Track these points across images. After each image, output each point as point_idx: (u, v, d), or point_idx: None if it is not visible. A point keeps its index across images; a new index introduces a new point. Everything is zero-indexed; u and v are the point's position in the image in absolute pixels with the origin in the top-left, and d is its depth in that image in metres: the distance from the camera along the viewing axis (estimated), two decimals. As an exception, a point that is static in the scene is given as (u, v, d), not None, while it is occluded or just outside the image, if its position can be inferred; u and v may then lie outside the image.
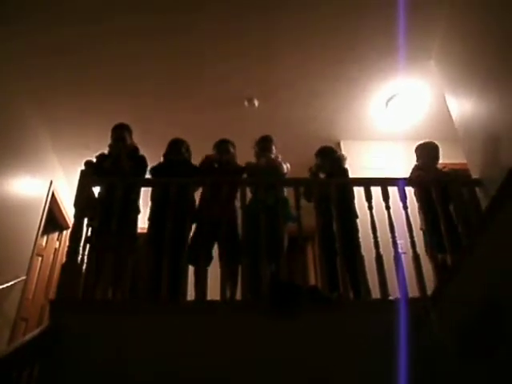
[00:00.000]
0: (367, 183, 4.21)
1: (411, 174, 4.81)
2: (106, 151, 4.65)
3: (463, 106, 4.68)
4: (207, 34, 4.95)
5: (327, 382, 3.19)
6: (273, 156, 4.84)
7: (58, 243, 6.96)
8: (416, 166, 4.87)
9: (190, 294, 3.85)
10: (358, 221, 4.33)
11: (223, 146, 4.84)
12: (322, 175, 4.74)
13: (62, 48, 5.00)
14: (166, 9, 4.68)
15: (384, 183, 4.22)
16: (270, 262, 3.85)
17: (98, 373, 3.14)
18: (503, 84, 3.77)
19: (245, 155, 4.88)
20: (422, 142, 5.00)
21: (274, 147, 4.93)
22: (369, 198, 4.08)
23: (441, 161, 6.02)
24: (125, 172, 4.31)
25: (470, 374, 2.69)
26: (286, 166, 4.77)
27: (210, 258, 4.17)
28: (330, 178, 4.60)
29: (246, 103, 5.81)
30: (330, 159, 4.83)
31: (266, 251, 3.79)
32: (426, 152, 4.86)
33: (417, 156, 4.93)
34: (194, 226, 4.25)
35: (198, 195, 4.48)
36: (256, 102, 5.80)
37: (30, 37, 4.81)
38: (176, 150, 4.75)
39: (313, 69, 5.39)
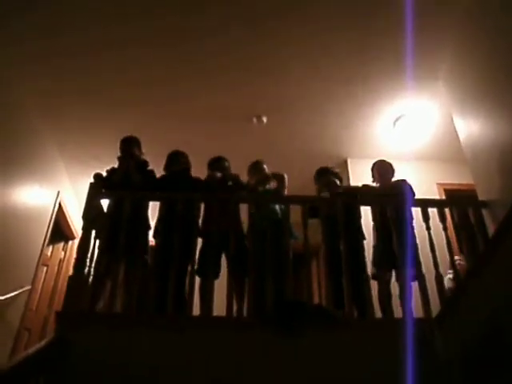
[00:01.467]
0: (371, 202, 4.23)
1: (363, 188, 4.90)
2: (115, 165, 4.67)
3: (471, 127, 4.69)
4: (219, 55, 5.00)
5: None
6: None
7: (63, 253, 6.96)
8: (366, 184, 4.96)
9: (196, 307, 3.85)
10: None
11: (220, 163, 4.89)
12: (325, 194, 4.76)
13: (70, 57, 5.02)
14: (178, 35, 4.78)
15: (387, 202, 4.25)
16: (275, 278, 3.85)
17: (102, 385, 3.14)
18: (511, 105, 3.78)
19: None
20: (377, 160, 5.06)
21: (265, 168, 4.99)
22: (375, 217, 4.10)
23: (447, 181, 6.07)
24: (134, 186, 4.33)
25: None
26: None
27: (219, 270, 4.17)
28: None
29: (254, 120, 5.84)
30: (332, 175, 4.89)
31: (272, 267, 3.81)
32: (382, 170, 4.92)
33: (372, 173, 4.99)
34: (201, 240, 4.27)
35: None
36: (264, 119, 5.83)
37: (38, 44, 4.82)
38: (175, 162, 4.78)
39: (321, 87, 5.42)
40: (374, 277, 4.10)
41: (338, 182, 4.87)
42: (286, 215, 4.23)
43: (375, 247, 4.32)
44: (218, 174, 4.71)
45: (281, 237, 4.09)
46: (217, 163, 4.88)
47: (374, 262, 4.29)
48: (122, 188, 4.32)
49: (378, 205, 4.24)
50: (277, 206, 4.58)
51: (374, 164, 5.02)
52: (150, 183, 4.49)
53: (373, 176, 4.96)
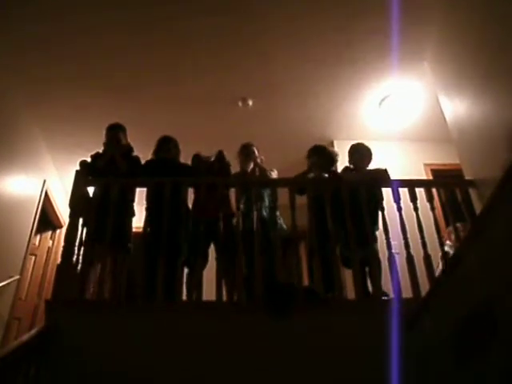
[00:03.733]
0: (359, 184, 4.24)
1: (342, 173, 4.84)
2: (100, 150, 4.64)
3: (457, 107, 4.70)
4: (202, 34, 4.95)
5: (322, 382, 3.20)
6: (258, 160, 4.90)
7: (51, 242, 6.94)
8: (346, 166, 4.90)
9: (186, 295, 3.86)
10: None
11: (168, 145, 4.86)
12: (313, 174, 4.75)
13: (55, 46, 4.99)
14: (164, 19, 4.74)
15: (378, 184, 4.26)
16: (264, 261, 3.86)
17: (94, 373, 3.14)
18: (498, 85, 3.78)
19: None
20: (355, 143, 4.99)
21: (256, 151, 4.97)
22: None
23: (434, 161, 6.07)
24: (120, 171, 4.31)
25: (463, 375, 2.71)
26: (274, 173, 4.87)
27: (206, 259, 4.18)
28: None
29: (240, 103, 5.81)
30: (325, 157, 4.86)
31: (260, 251, 3.82)
32: (359, 154, 4.85)
33: (349, 157, 4.91)
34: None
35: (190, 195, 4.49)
36: (250, 102, 5.81)
37: (24, 31, 4.77)
38: (165, 147, 4.75)
39: (307, 69, 5.40)
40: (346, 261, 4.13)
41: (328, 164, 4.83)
42: (274, 209, 4.25)
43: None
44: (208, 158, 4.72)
45: (268, 232, 4.14)
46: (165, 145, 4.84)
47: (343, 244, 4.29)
48: (106, 174, 4.30)
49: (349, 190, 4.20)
50: (266, 203, 4.55)
51: (352, 147, 4.94)
52: (135, 170, 4.46)
53: (350, 159, 4.89)
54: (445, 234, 4.51)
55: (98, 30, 4.85)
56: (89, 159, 4.56)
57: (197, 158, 4.81)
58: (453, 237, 4.32)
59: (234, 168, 4.85)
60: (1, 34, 4.75)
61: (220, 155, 4.73)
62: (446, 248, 4.23)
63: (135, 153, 4.72)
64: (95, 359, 3.21)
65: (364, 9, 4.67)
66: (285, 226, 4.48)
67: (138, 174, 4.43)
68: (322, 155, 4.85)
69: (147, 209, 4.14)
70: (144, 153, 4.70)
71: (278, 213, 4.41)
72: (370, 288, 3.93)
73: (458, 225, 4.25)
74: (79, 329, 3.34)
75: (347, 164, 4.88)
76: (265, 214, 4.42)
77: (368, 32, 4.90)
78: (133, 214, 4.27)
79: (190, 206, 4.42)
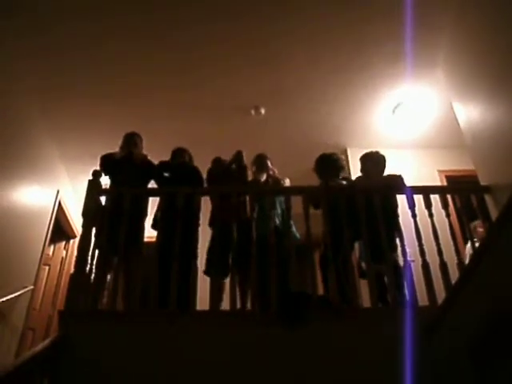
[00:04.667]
0: (373, 191, 4.19)
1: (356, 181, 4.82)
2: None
3: (470, 113, 4.67)
4: (215, 43, 4.96)
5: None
6: (270, 172, 4.91)
7: (64, 252, 6.97)
8: (359, 176, 4.85)
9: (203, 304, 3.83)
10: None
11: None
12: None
13: (71, 60, 5.04)
14: (174, 24, 4.74)
15: (393, 191, 4.22)
16: (278, 270, 3.83)
17: (106, 383, 3.13)
18: (511, 89, 3.75)
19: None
20: (367, 151, 4.90)
21: (269, 163, 4.97)
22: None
23: (448, 168, 6.03)
24: (136, 162, 4.46)
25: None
26: (286, 181, 4.86)
27: (227, 269, 4.10)
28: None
29: (252, 111, 5.81)
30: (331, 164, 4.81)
31: (275, 260, 3.79)
32: (372, 162, 4.77)
33: (362, 165, 4.83)
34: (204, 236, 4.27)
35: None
36: (262, 110, 5.80)
37: (37, 39, 4.81)
38: (178, 157, 4.79)
39: (319, 77, 5.39)
40: (363, 274, 4.08)
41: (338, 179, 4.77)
42: (288, 218, 4.22)
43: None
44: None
45: (281, 241, 4.10)
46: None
47: (361, 256, 4.25)
48: (123, 164, 4.43)
49: (364, 198, 4.14)
50: (278, 211, 4.52)
51: (364, 155, 4.86)
52: (151, 168, 4.64)
53: (362, 168, 4.82)
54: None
55: (110, 37, 4.87)
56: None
57: (216, 161, 4.82)
58: (481, 230, 4.28)
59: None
60: (14, 41, 4.77)
61: (238, 156, 4.72)
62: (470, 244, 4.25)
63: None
64: (108, 369, 3.19)
65: (376, 15, 4.66)
66: (298, 235, 4.45)
67: (153, 173, 4.57)
68: (328, 164, 4.79)
69: (160, 218, 4.14)
70: (156, 159, 4.73)
71: (291, 221, 4.38)
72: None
73: (476, 223, 4.22)
74: (92, 339, 3.33)
75: (359, 172, 4.84)
76: (277, 222, 4.39)
77: (381, 38, 4.89)
78: (145, 217, 4.28)
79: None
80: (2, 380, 2.33)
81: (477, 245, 4.03)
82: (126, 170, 4.44)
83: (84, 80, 5.35)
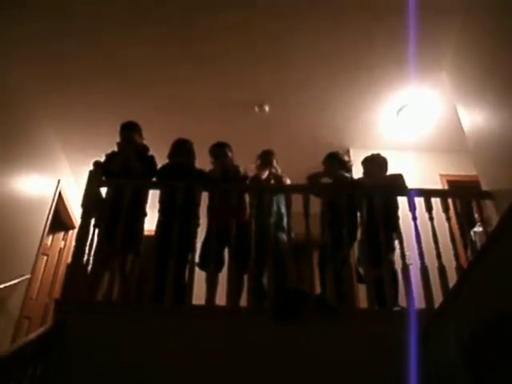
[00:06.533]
0: (375, 189, 4.19)
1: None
2: (115, 149, 4.63)
3: (475, 118, 4.66)
4: (219, 39, 4.96)
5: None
6: (273, 170, 4.87)
7: (63, 243, 6.96)
8: (362, 177, 4.87)
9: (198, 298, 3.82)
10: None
11: (220, 149, 4.84)
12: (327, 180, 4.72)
13: (74, 49, 5.02)
14: (178, 16, 4.72)
15: (393, 193, 4.22)
16: (275, 267, 3.83)
17: (100, 373, 3.12)
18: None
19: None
20: (369, 154, 4.96)
21: (275, 161, 4.96)
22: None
23: (450, 172, 6.03)
24: (134, 174, 4.29)
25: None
26: (287, 180, 4.84)
27: (222, 263, 4.20)
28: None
29: (256, 108, 5.80)
30: (341, 164, 4.83)
31: (272, 256, 3.80)
32: (374, 163, 4.83)
33: (364, 167, 4.89)
34: (204, 232, 4.25)
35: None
36: (266, 108, 5.79)
37: (38, 26, 4.77)
38: (180, 151, 4.74)
39: (324, 76, 5.39)
40: (361, 279, 4.08)
41: (344, 173, 4.78)
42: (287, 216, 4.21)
43: (360, 243, 4.21)
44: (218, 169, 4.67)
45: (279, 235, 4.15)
46: (218, 149, 4.83)
47: (359, 260, 4.27)
48: (121, 176, 4.28)
49: (366, 198, 4.16)
50: (274, 208, 4.51)
51: (367, 158, 4.93)
52: (150, 172, 4.44)
53: (365, 171, 4.87)
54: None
55: (111, 26, 4.84)
56: (103, 158, 4.55)
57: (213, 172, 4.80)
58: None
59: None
60: (15, 27, 4.74)
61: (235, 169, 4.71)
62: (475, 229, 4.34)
63: (150, 152, 4.70)
64: (102, 359, 3.19)
65: (383, 17, 4.65)
66: (292, 235, 4.42)
67: (152, 176, 4.42)
68: (339, 162, 4.82)
69: (160, 211, 4.13)
70: (158, 152, 4.65)
71: (285, 221, 4.37)
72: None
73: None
74: (87, 329, 3.32)
75: (361, 174, 4.86)
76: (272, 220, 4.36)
77: (387, 40, 4.89)
78: (145, 215, 4.23)
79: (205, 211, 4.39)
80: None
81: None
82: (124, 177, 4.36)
83: (85, 69, 5.33)
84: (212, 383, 3.16)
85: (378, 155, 4.90)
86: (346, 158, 5.04)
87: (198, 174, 4.61)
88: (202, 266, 4.02)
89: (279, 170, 4.91)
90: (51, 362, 3.08)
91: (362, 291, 3.90)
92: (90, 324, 3.35)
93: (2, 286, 4.76)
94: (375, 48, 5.01)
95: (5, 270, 4.92)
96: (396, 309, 3.75)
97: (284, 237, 4.32)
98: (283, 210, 4.48)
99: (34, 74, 5.32)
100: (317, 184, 4.60)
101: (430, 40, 4.83)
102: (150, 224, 4.24)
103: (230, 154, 4.83)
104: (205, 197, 4.28)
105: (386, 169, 4.79)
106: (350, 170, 4.92)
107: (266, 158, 4.94)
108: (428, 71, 5.25)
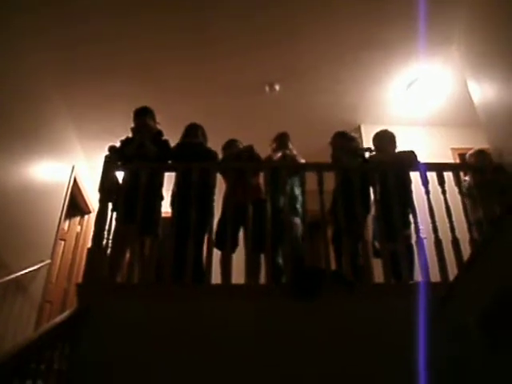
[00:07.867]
0: (386, 168, 4.22)
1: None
2: (129, 135, 4.67)
3: (485, 92, 4.65)
4: (230, 20, 4.97)
5: (348, 365, 3.22)
6: (287, 152, 4.89)
7: (79, 228, 7.06)
8: (371, 150, 4.89)
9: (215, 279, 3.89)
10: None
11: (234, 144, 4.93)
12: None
13: (87, 34, 5.05)
14: (191, 1, 4.76)
15: (407, 167, 4.25)
16: (292, 245, 3.88)
17: (122, 356, 3.19)
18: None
19: (266, 140, 4.97)
20: (379, 130, 4.99)
21: (290, 143, 5.00)
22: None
23: (461, 146, 6.03)
24: (149, 158, 4.34)
25: (497, 359, 2.70)
26: (301, 161, 4.85)
27: (236, 244, 4.26)
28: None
29: (267, 88, 5.81)
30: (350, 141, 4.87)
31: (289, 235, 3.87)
32: (384, 139, 4.88)
33: (375, 146, 4.90)
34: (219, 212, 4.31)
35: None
36: (277, 87, 5.81)
37: (52, 13, 4.80)
38: (192, 134, 4.79)
39: (334, 53, 5.39)
40: (377, 253, 4.12)
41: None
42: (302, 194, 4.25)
43: (375, 218, 4.24)
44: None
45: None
46: (231, 145, 4.92)
47: (375, 235, 4.31)
48: (136, 160, 4.32)
49: (378, 174, 4.21)
50: (296, 192, 4.56)
51: (376, 134, 4.96)
52: (165, 154, 4.49)
53: (375, 147, 4.89)
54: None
55: (124, 10, 4.85)
56: (118, 144, 4.60)
57: (229, 145, 4.88)
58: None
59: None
60: (24, 15, 4.76)
61: (249, 149, 4.73)
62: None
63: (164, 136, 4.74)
64: (124, 339, 3.27)
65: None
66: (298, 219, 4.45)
67: (166, 159, 4.46)
68: (347, 140, 4.84)
69: (176, 193, 4.19)
70: (170, 136, 4.71)
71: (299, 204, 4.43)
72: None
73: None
74: (110, 311, 3.39)
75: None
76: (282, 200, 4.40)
77: (396, 15, 4.87)
78: (162, 198, 4.29)
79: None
80: (27, 347, 2.42)
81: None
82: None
83: (97, 54, 5.36)
84: (232, 360, 3.22)
85: (386, 130, 4.95)
86: (352, 135, 5.04)
87: (209, 153, 4.66)
88: (217, 245, 4.08)
89: (295, 152, 4.93)
90: (76, 342, 3.16)
91: (377, 266, 3.95)
92: (112, 306, 3.41)
93: (26, 271, 4.86)
94: (384, 24, 5.00)
95: (26, 256, 5.01)
96: (411, 282, 3.80)
97: (298, 221, 4.37)
98: (297, 191, 4.52)
99: (50, 61, 5.36)
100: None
101: (439, 15, 4.80)
102: (167, 206, 4.32)
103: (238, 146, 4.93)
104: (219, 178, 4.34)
105: (394, 142, 4.84)
106: (358, 149, 4.92)
107: (282, 141, 4.98)
108: (438, 46, 5.22)
